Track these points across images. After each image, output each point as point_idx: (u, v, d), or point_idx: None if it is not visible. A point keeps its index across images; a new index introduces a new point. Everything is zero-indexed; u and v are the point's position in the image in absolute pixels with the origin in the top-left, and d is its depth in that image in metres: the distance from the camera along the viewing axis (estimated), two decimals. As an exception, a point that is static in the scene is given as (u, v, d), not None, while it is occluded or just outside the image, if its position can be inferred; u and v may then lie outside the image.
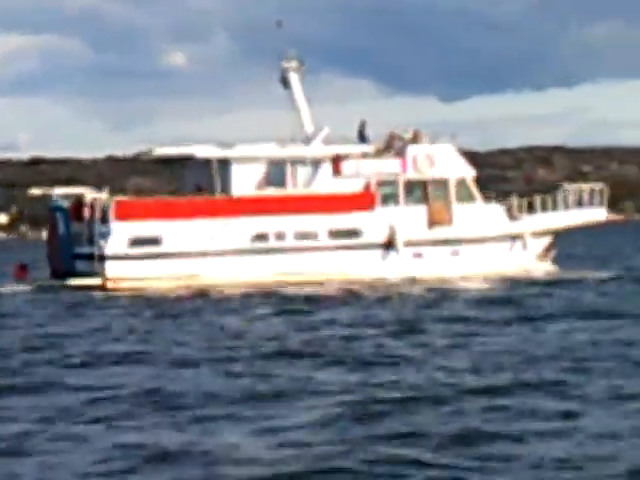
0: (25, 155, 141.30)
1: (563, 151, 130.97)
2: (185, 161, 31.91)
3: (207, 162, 30.54)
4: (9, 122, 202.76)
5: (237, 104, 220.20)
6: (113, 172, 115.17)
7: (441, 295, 25.50)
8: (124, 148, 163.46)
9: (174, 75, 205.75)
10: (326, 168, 31.08)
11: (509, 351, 15.00)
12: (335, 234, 30.82)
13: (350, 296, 26.44)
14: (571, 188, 34.11)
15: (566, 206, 33.57)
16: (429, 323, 19.45)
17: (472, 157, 35.85)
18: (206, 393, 11.22)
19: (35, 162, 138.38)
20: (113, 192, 33.68)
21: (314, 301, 24.67)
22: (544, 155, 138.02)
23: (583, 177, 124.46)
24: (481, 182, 34.01)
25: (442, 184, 31.71)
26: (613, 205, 39.73)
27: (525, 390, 11.15)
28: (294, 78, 32.18)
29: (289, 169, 31.12)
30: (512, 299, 24.19)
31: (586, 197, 34.26)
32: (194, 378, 12.71)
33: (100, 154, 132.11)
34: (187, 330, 19.33)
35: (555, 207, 33.94)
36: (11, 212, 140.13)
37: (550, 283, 29.05)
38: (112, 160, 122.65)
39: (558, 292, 26.26)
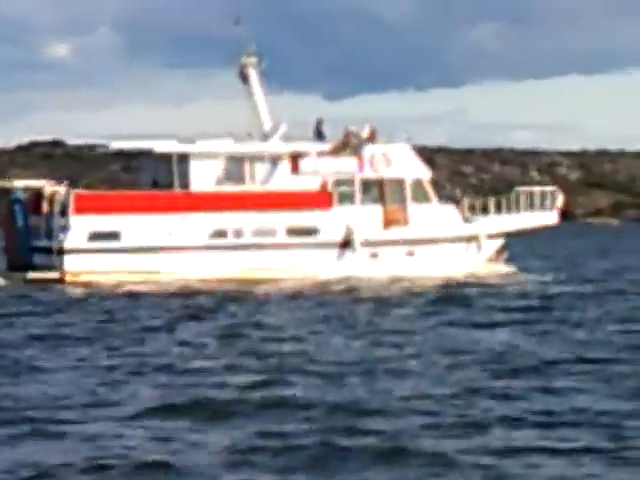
0: None
1: (445, 152, 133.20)
2: (143, 155, 32.15)
3: (166, 157, 30.41)
4: None
5: (121, 97, 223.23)
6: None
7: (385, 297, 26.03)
8: (5, 140, 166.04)
9: (56, 67, 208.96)
10: (284, 165, 31.00)
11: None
12: (292, 232, 30.74)
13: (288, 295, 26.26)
14: (523, 190, 34.81)
15: (518, 209, 34.41)
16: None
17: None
18: None
19: None
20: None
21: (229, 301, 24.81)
22: (426, 155, 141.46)
23: (464, 178, 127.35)
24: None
25: (398, 184, 31.70)
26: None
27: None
28: (253, 74, 31.78)
29: (248, 166, 31.01)
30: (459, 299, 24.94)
31: (537, 200, 35.24)
32: None
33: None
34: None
35: (508, 209, 34.81)
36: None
37: (498, 285, 30.01)
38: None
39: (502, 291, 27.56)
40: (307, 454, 8.30)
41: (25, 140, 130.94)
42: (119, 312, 22.91)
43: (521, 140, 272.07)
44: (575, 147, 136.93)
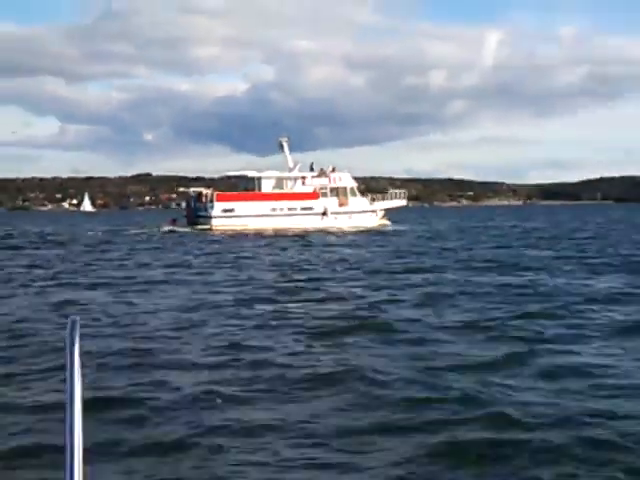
0: None
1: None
2: (241, 178, 69.08)
3: (252, 178, 67.99)
4: None
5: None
6: None
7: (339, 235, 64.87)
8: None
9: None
10: (299, 182, 67.62)
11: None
12: (303, 209, 67.06)
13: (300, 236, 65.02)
14: (391, 191, 74.84)
15: (391, 198, 74.20)
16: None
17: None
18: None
19: None
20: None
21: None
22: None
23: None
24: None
25: (344, 189, 69.87)
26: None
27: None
28: (285, 145, 69.40)
29: (284, 182, 68.81)
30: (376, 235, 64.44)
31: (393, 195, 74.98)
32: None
33: None
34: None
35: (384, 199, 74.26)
36: None
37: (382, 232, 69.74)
38: None
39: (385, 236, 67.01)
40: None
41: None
42: (233, 241, 52.42)
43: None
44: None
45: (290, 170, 68.44)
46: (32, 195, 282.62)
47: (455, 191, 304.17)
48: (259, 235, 57.64)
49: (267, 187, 66.74)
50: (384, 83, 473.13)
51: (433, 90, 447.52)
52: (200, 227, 63.57)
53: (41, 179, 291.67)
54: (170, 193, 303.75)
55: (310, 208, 66.88)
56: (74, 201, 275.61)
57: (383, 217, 71.37)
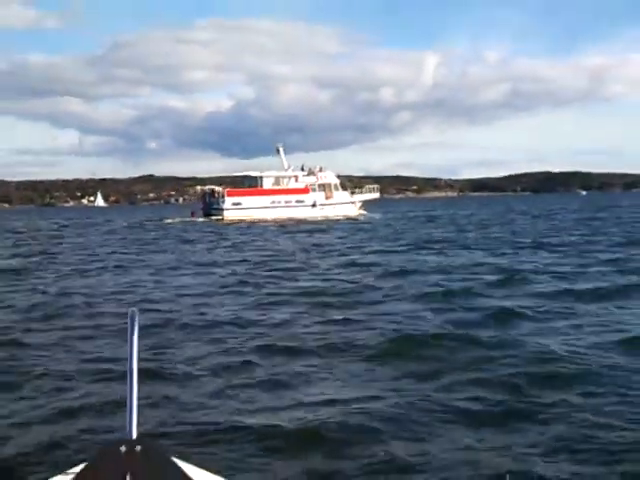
0: None
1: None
2: (246, 177, 68.76)
3: (255, 177, 68.33)
4: None
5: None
6: None
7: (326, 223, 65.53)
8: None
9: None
10: (293, 179, 68.26)
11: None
12: (296, 201, 68.18)
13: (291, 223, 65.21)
14: (366, 186, 75.16)
15: (367, 192, 74.53)
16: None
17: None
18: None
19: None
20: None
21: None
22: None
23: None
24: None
25: (329, 184, 69.90)
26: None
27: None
28: (281, 150, 69.76)
29: (281, 179, 68.99)
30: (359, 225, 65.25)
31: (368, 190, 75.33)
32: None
33: None
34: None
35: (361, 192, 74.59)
36: None
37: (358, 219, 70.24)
38: None
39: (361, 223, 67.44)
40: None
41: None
42: (241, 229, 53.30)
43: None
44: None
45: (286, 170, 68.13)
46: (57, 194, 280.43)
47: (402, 186, 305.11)
48: (271, 222, 58.11)
49: (267, 184, 66.51)
50: (344, 99, 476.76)
51: (383, 104, 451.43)
52: (214, 217, 63.40)
53: (64, 180, 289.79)
54: (169, 191, 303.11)
55: (302, 201, 66.80)
56: (92, 198, 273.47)
57: (360, 207, 71.47)
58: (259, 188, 66.23)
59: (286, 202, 66.32)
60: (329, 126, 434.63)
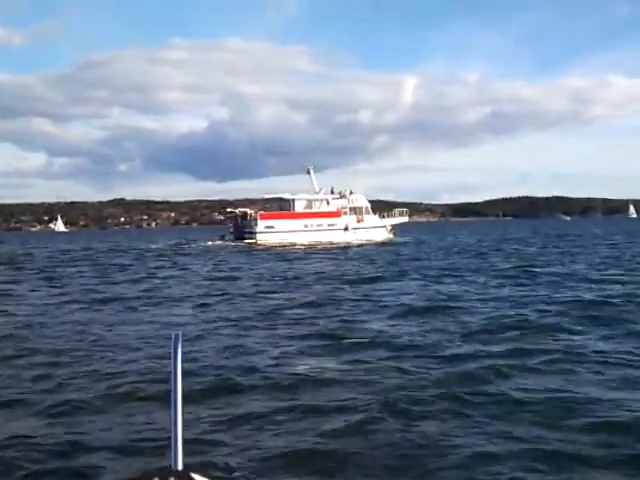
0: None
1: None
2: (275, 200, 69.05)
3: (287, 200, 68.74)
4: None
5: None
6: None
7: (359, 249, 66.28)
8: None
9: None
10: (325, 203, 68.78)
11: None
12: (328, 225, 67.88)
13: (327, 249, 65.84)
14: (395, 210, 76.31)
15: (397, 216, 75.64)
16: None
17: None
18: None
19: None
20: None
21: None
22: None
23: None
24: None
25: (360, 208, 71.12)
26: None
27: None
28: (312, 171, 70.62)
29: (313, 203, 69.71)
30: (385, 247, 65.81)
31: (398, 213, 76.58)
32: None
33: None
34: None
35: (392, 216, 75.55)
36: None
37: (391, 243, 71.25)
38: None
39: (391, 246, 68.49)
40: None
41: None
42: (275, 254, 51.44)
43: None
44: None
45: (317, 192, 68.99)
46: (23, 218, 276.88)
47: (382, 210, 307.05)
48: (306, 248, 58.34)
49: (299, 207, 67.20)
50: (321, 121, 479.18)
51: (362, 126, 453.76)
52: (247, 241, 63.73)
53: (30, 204, 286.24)
54: (141, 215, 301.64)
55: (334, 224, 67.57)
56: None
57: (390, 231, 72.50)
58: (291, 212, 66.84)
59: (318, 225, 67.02)
60: (306, 148, 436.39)
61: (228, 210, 72.32)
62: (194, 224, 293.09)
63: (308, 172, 69.80)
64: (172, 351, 2.37)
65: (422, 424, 7.49)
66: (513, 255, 41.91)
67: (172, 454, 2.26)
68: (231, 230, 67.77)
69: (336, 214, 68.01)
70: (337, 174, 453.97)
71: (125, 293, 23.07)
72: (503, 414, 7.80)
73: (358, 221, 69.03)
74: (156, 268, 36.39)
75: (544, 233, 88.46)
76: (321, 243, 62.87)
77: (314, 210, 67.63)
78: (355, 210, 69.21)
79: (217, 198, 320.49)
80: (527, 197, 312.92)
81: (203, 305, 19.22)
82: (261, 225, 64.70)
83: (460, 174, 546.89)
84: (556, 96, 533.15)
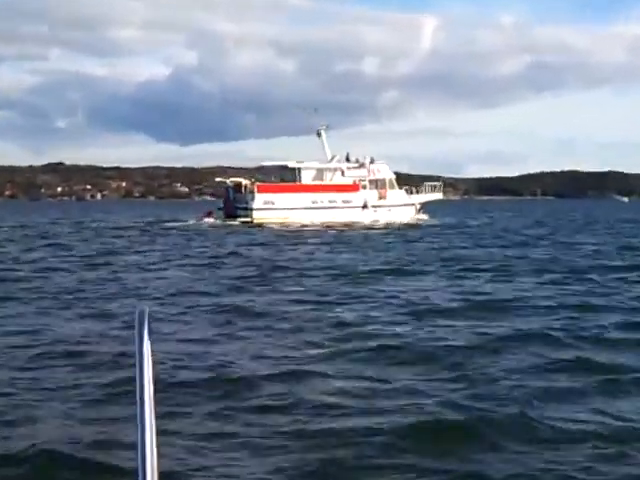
0: None
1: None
2: (279, 168, 69.70)
3: (292, 169, 69.25)
4: None
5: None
6: None
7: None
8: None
9: None
10: (339, 174, 69.75)
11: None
12: (343, 201, 68.82)
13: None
14: (427, 184, 76.75)
15: (425, 192, 76.19)
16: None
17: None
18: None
19: None
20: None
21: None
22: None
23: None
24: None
25: (383, 181, 71.66)
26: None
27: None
28: (324, 133, 71.04)
29: (324, 173, 70.25)
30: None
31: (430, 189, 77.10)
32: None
33: None
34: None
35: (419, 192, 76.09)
36: None
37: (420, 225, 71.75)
38: None
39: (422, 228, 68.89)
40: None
41: None
42: (275, 233, 55.71)
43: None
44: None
45: (329, 161, 69.64)
46: None
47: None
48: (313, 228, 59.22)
49: (307, 178, 67.84)
50: (314, 70, 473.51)
51: (366, 78, 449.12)
52: (241, 220, 64.40)
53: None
54: (84, 184, 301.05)
55: (350, 201, 68.31)
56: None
57: (419, 211, 72.99)
58: (297, 183, 67.23)
59: (330, 202, 67.54)
60: (294, 105, 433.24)
61: (217, 180, 72.54)
62: (151, 197, 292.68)
63: (318, 134, 70.12)
64: (136, 332, 2.32)
65: None
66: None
67: (140, 473, 2.26)
68: (221, 205, 67.91)
69: (353, 188, 68.90)
70: (335, 137, 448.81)
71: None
72: None
73: (380, 197, 70.00)
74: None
75: (607, 221, 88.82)
76: (333, 224, 63.30)
77: (325, 182, 68.57)
78: (376, 183, 70.18)
79: (180, 165, 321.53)
80: (573, 172, 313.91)
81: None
82: (259, 200, 65.39)
83: (489, 141, 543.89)
84: (611, 45, 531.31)
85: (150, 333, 2.33)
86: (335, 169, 68.93)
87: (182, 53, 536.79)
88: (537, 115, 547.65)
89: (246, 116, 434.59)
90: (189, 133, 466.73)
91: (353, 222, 65.12)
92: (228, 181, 68.48)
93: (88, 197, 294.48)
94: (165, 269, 29.74)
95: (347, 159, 70.34)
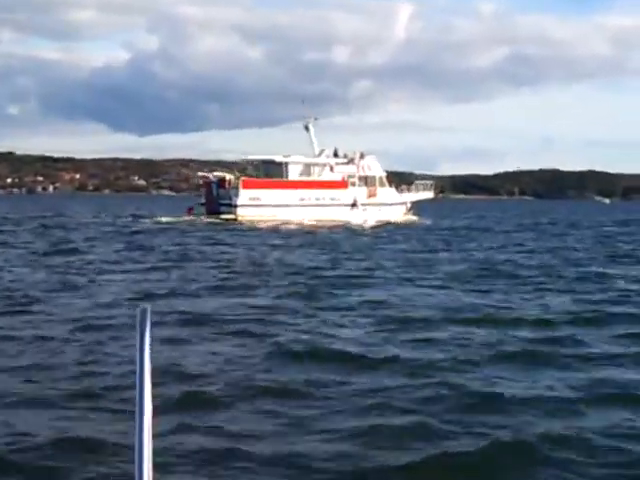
0: None
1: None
2: (265, 163, 69.62)
3: (280, 163, 69.04)
4: None
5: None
6: None
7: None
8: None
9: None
10: (327, 169, 70.54)
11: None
12: (331, 199, 68.98)
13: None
14: (418, 182, 77.41)
15: (419, 190, 76.75)
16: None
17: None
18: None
19: None
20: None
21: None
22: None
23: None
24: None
25: (373, 178, 71.85)
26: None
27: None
28: (311, 127, 71.39)
29: (313, 168, 70.21)
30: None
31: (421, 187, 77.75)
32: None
33: None
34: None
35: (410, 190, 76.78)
36: None
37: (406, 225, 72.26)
38: None
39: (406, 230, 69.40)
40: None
41: None
42: (261, 232, 57.13)
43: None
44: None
45: (317, 155, 70.17)
46: None
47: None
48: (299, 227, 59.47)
49: (294, 174, 68.11)
50: (283, 58, 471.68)
51: (336, 68, 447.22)
52: (224, 217, 64.29)
53: None
54: (36, 175, 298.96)
55: (338, 198, 68.74)
56: None
57: (409, 210, 73.59)
58: (284, 180, 67.51)
59: (317, 199, 67.88)
60: (261, 95, 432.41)
61: (200, 174, 72.59)
62: (105, 190, 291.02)
63: (306, 128, 70.38)
64: (138, 330, 2.40)
65: None
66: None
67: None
68: (202, 201, 67.89)
69: (341, 185, 69.36)
70: (301, 130, 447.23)
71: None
72: None
73: (370, 195, 70.52)
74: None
75: (588, 224, 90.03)
76: (320, 222, 63.72)
77: (313, 178, 68.85)
78: (366, 180, 70.44)
79: (138, 157, 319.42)
80: (552, 170, 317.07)
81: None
82: (244, 196, 65.55)
83: (465, 136, 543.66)
84: (595, 38, 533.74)
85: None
86: (324, 165, 69.24)
87: (142, 37, 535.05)
88: (516, 111, 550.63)
89: (209, 106, 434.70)
90: (148, 123, 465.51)
91: (341, 221, 65.47)
92: (211, 175, 68.44)
93: (39, 189, 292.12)
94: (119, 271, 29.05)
95: (335, 154, 70.67)
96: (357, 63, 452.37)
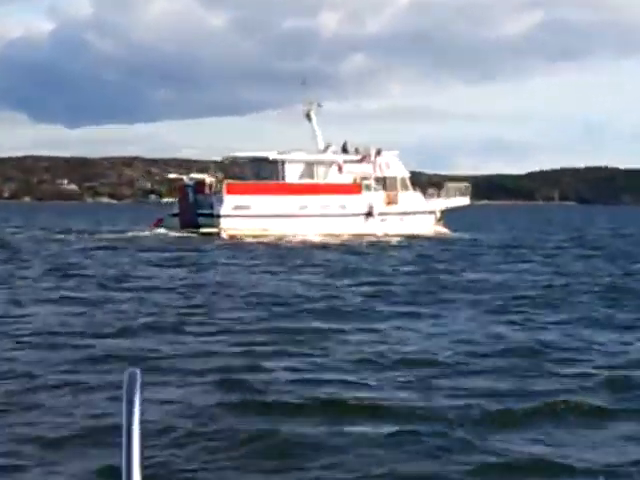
0: None
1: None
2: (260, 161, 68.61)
3: (274, 161, 68.03)
4: None
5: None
6: None
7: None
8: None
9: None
10: (335, 168, 69.87)
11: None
12: (340, 206, 67.44)
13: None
14: (450, 185, 77.39)
15: (448, 195, 76.65)
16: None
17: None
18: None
19: None
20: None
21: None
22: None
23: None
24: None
25: (393, 180, 70.38)
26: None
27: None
28: (314, 116, 71.10)
29: (317, 167, 69.54)
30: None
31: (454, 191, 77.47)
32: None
33: None
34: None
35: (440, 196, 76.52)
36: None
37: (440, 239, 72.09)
38: None
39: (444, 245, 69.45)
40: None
41: None
42: (249, 248, 55.84)
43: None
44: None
45: (321, 151, 70.62)
46: None
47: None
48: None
49: (292, 175, 68.42)
50: (254, 27, 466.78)
51: (324, 39, 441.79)
52: (204, 230, 64.50)
53: None
54: None
55: (349, 206, 68.96)
56: None
57: (438, 221, 74.01)
58: (279, 182, 67.84)
59: (322, 207, 68.14)
60: (225, 75, 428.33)
61: (171, 177, 72.74)
62: (26, 198, 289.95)
63: (308, 117, 70.62)
64: (125, 395, 2.69)
65: None
66: None
67: None
68: (175, 211, 67.82)
69: (353, 189, 69.61)
70: (280, 119, 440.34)
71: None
72: None
73: (389, 202, 70.74)
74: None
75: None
76: (329, 237, 64.19)
77: (317, 181, 69.13)
78: (385, 182, 70.64)
79: (68, 154, 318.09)
80: (602, 168, 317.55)
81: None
82: (229, 203, 65.74)
83: (489, 126, 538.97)
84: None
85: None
86: (330, 163, 69.57)
87: (72, 1, 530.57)
88: (553, 92, 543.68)
89: (159, 89, 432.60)
90: (80, 111, 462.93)
91: (355, 235, 66.02)
92: (186, 178, 68.58)
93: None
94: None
95: (344, 149, 71.04)
96: (349, 33, 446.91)
